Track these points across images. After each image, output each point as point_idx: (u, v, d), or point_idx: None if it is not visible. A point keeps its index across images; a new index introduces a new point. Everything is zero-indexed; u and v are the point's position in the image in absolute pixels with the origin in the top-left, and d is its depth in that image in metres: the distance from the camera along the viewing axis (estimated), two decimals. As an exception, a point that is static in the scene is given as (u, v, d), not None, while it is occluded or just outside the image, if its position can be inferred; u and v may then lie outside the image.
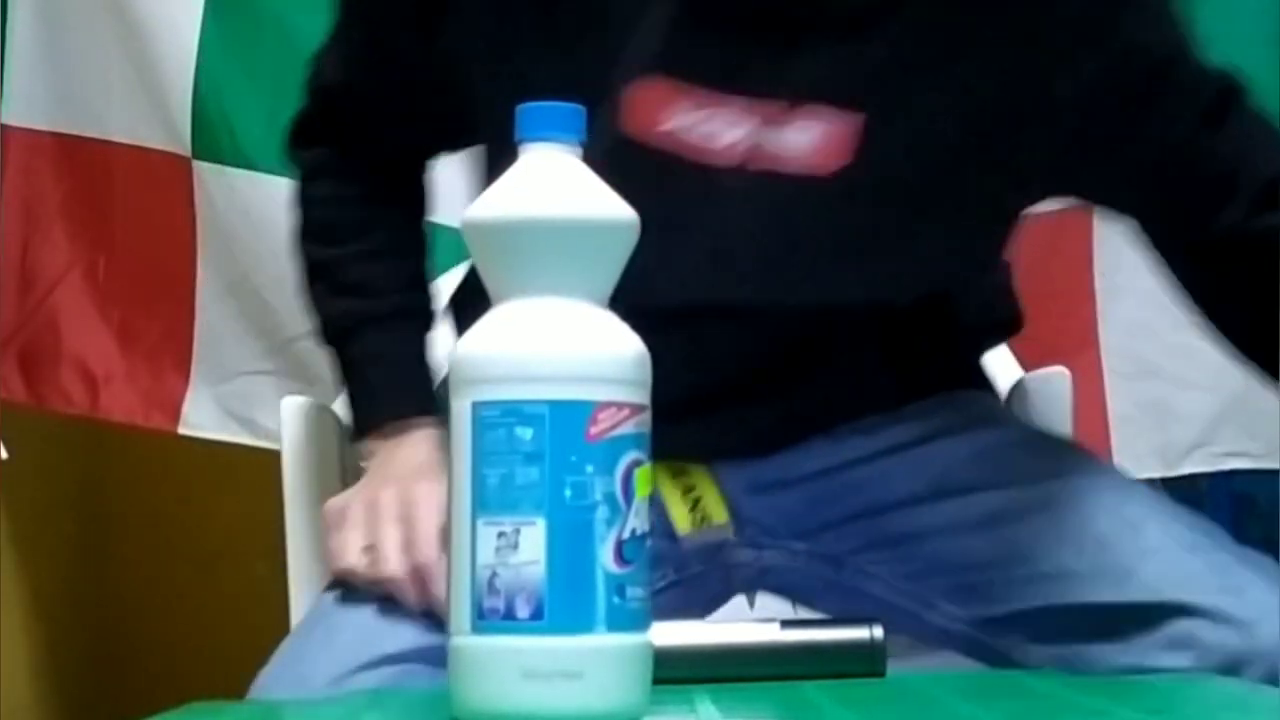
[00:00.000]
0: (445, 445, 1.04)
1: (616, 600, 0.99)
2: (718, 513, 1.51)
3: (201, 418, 2.42)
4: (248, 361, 2.40)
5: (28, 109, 2.43)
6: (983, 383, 1.64)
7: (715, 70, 1.32)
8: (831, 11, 1.32)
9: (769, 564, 1.54)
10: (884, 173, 1.34)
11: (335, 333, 1.52)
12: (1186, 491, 2.74)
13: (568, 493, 0.98)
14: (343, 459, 1.80)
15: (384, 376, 1.50)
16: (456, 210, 1.08)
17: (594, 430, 0.99)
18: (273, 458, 1.83)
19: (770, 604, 1.57)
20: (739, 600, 1.65)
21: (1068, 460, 1.49)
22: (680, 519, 1.50)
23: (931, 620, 1.46)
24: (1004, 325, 1.65)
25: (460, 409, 1.00)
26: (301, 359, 2.38)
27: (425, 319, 1.52)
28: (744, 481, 1.52)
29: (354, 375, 1.51)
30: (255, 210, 2.37)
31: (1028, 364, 1.87)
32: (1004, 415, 1.64)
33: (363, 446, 1.49)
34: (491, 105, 1.29)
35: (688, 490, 1.51)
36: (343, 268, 1.54)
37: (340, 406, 1.89)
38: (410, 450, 1.44)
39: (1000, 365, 1.84)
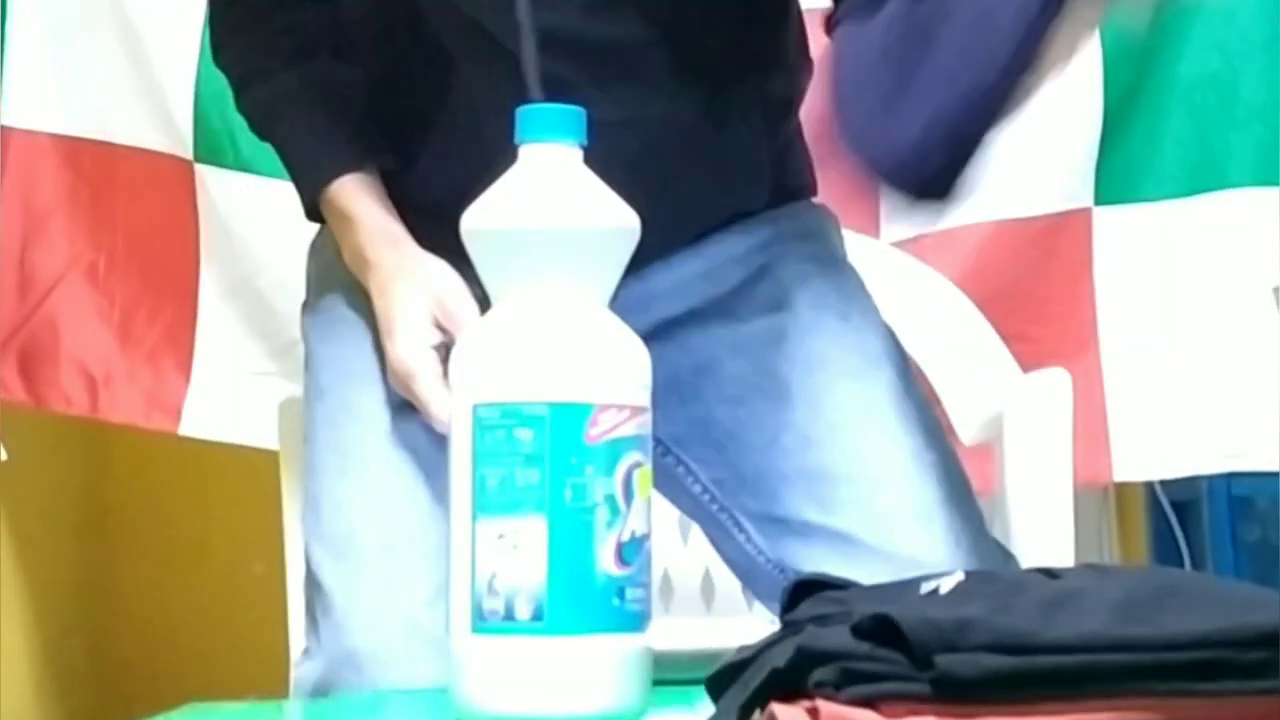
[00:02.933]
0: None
1: (616, 602, 0.99)
2: None
3: (202, 418, 2.41)
4: (249, 363, 2.40)
5: (28, 111, 2.42)
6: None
7: None
8: None
9: None
10: None
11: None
12: (1187, 494, 2.75)
13: (568, 494, 0.98)
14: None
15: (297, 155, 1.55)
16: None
17: (594, 432, 0.99)
18: (272, 458, 1.83)
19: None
20: (738, 598, 1.65)
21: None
22: None
23: (740, 544, 1.51)
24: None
25: (460, 410, 1.01)
26: (303, 361, 2.37)
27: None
28: None
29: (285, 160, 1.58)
30: (257, 213, 2.37)
31: (1028, 366, 1.87)
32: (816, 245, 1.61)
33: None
34: None
35: None
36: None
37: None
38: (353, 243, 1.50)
39: (999, 367, 1.84)
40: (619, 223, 1.04)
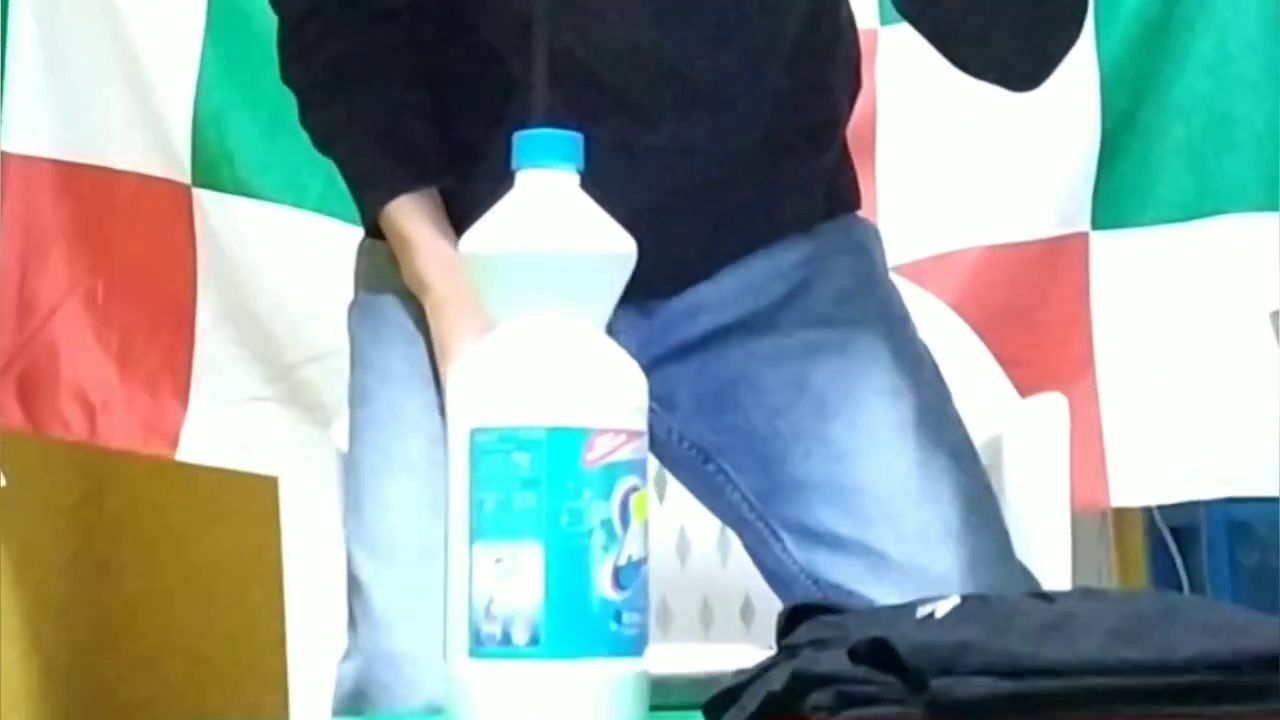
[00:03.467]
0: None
1: (613, 626, 0.99)
2: None
3: (200, 444, 2.41)
4: (246, 388, 2.40)
5: (27, 136, 2.43)
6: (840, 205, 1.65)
7: None
8: None
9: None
10: None
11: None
12: (1185, 519, 2.75)
13: (565, 518, 0.98)
14: (340, 486, 1.80)
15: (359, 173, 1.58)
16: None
17: (591, 456, 0.99)
18: (271, 484, 1.83)
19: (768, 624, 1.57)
20: (736, 623, 1.64)
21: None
22: None
23: (775, 552, 1.53)
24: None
25: (457, 434, 1.01)
26: (300, 386, 2.37)
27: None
28: (639, 348, 1.56)
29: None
30: (255, 237, 2.38)
31: (1025, 390, 1.88)
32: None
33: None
34: None
35: None
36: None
37: (337, 432, 1.89)
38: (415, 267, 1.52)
39: (996, 391, 1.84)
40: (615, 248, 1.04)
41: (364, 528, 1.49)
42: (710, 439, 1.56)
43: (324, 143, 1.60)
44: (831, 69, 1.59)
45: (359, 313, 1.61)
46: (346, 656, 1.45)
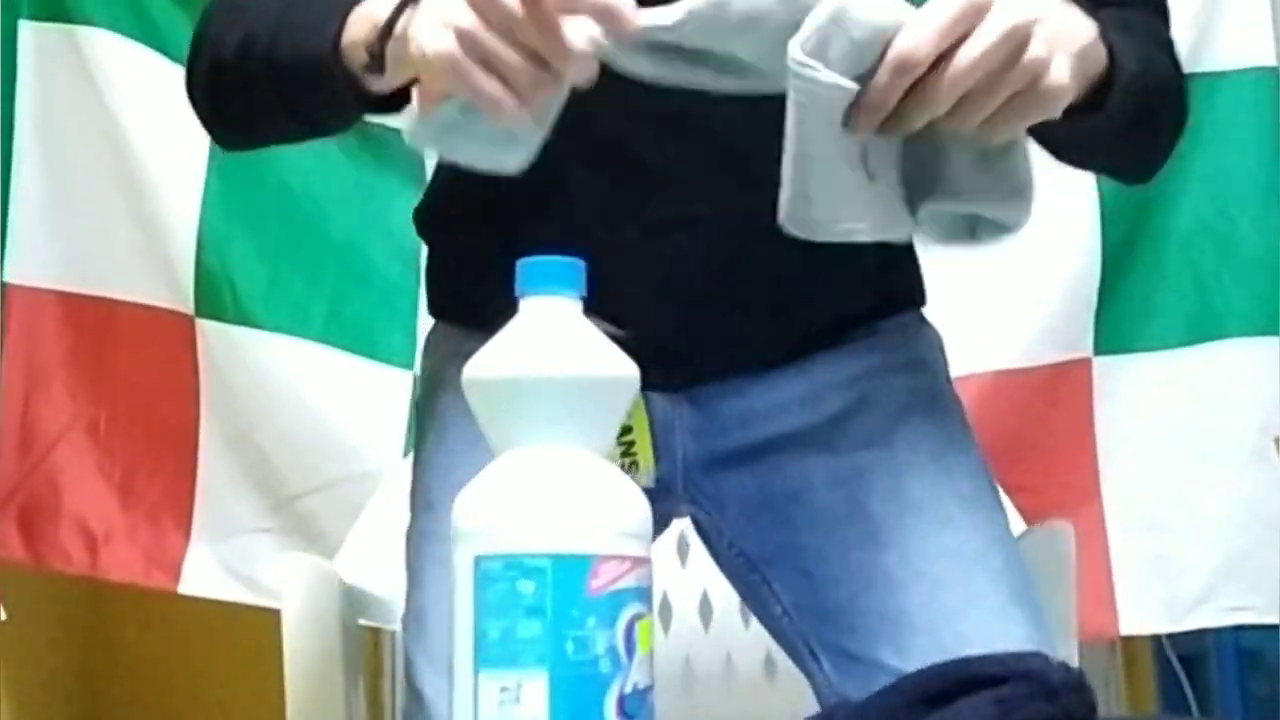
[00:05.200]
0: None
1: (619, 755, 0.98)
2: (645, 460, 1.51)
3: (202, 576, 2.40)
4: (249, 519, 2.39)
5: (30, 267, 2.44)
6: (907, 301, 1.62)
7: None
8: None
9: (700, 522, 1.56)
10: None
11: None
12: (1194, 647, 2.73)
13: (570, 647, 0.98)
14: (343, 618, 1.79)
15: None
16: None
17: (596, 583, 0.98)
18: (273, 616, 1.82)
19: None
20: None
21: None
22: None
23: (813, 673, 1.50)
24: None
25: (462, 562, 1.00)
26: (303, 516, 2.37)
27: None
28: (694, 446, 1.53)
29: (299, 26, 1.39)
30: (257, 367, 2.38)
31: (1030, 517, 1.87)
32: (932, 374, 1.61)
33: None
34: None
35: (624, 431, 1.49)
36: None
37: (340, 563, 1.88)
38: None
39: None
40: (617, 372, 1.04)
41: (427, 639, 1.48)
42: (758, 550, 1.53)
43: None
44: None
45: (423, 416, 1.60)
46: None
